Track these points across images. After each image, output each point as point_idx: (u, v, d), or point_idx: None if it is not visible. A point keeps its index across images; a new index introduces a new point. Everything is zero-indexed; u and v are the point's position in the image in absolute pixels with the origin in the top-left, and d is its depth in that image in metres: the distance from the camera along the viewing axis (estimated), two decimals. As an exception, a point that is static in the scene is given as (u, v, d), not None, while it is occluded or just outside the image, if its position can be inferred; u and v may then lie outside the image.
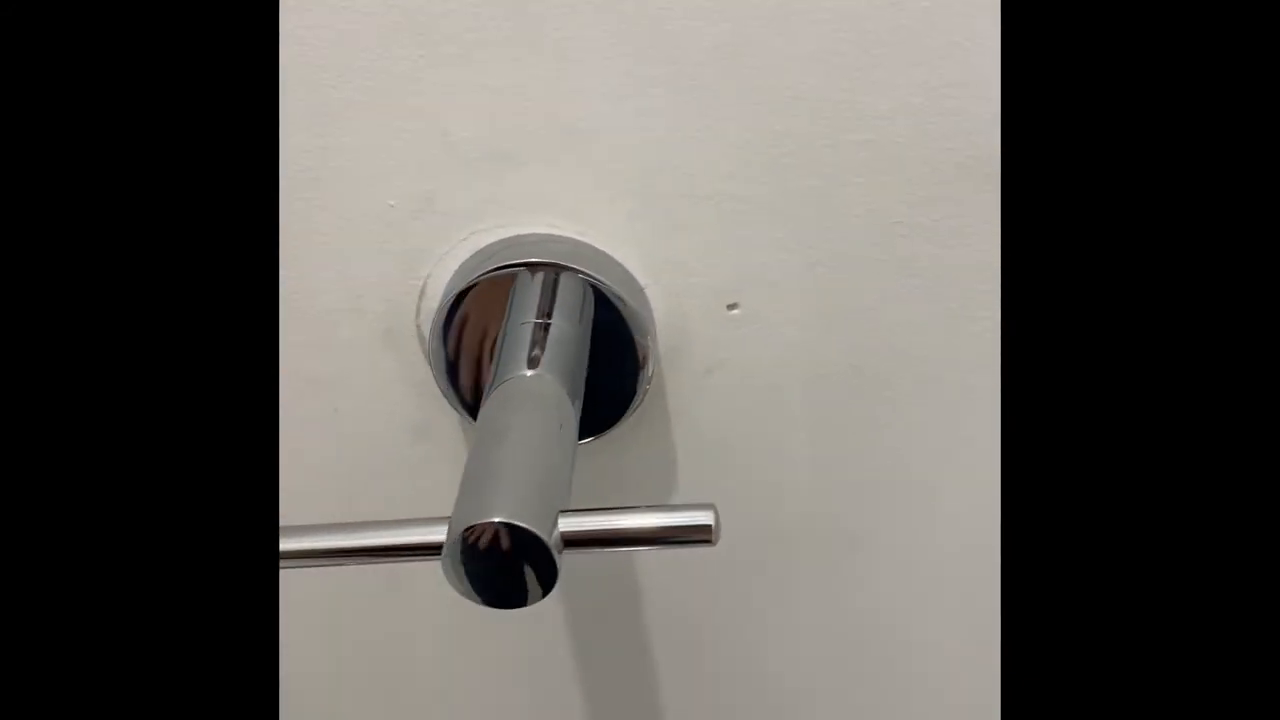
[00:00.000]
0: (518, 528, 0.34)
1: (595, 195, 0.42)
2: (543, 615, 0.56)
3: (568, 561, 0.50)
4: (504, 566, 0.35)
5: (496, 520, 0.34)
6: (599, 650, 0.58)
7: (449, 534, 0.34)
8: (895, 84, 0.39)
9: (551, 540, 0.34)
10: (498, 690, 0.60)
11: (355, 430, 0.49)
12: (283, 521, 0.50)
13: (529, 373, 0.42)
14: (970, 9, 0.38)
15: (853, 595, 0.54)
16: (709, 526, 0.35)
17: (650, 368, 0.45)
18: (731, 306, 0.45)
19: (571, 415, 0.41)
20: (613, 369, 0.45)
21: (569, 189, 0.42)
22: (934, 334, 0.45)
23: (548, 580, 0.35)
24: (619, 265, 0.44)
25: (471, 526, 0.34)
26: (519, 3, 0.38)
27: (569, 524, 0.35)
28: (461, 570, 0.35)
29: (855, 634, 0.56)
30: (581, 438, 0.47)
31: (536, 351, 0.43)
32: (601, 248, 0.44)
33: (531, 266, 0.43)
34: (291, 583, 0.55)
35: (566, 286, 0.43)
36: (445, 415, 0.48)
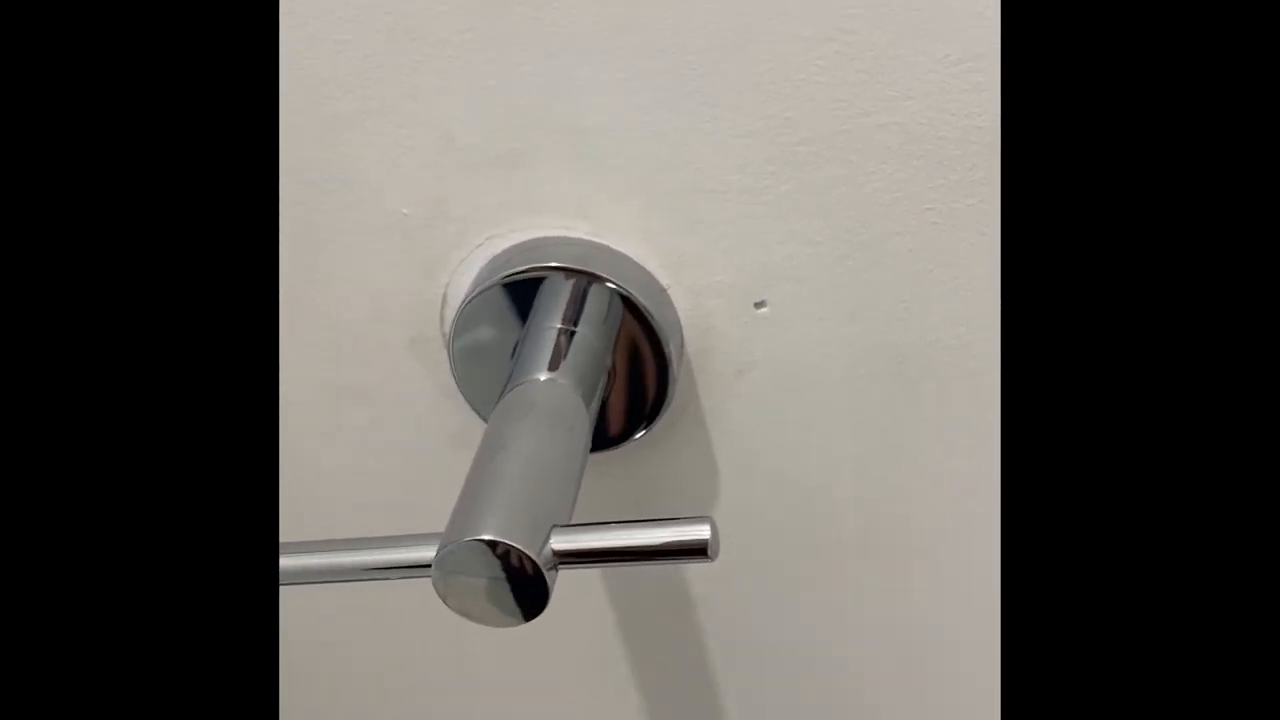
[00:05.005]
0: (507, 545, 0.33)
1: (604, 194, 0.41)
2: (587, 631, 0.55)
3: (607, 575, 0.48)
4: (495, 584, 0.34)
5: (485, 538, 0.33)
6: (645, 668, 0.56)
7: (438, 553, 0.33)
8: (913, 61, 0.36)
9: (541, 558, 0.33)
10: (546, 702, 0.59)
11: (392, 440, 0.49)
12: (324, 534, 0.51)
13: (542, 377, 0.41)
14: (990, -27, 0.35)
15: (911, 609, 0.51)
16: (705, 542, 0.33)
17: (677, 370, 0.44)
18: (759, 305, 0.43)
19: (585, 419, 0.40)
20: (639, 373, 0.43)
21: (577, 188, 0.41)
22: (979, 327, 0.42)
23: (540, 598, 0.34)
24: (638, 266, 0.42)
25: (461, 544, 0.33)
26: (508, 1, 0.37)
27: (561, 541, 0.34)
28: (452, 588, 0.34)
29: (915, 649, 0.53)
30: (610, 445, 0.46)
31: (552, 355, 0.41)
32: (618, 248, 0.42)
33: (550, 271, 0.41)
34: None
35: (586, 290, 0.42)
36: (481, 421, 0.47)
